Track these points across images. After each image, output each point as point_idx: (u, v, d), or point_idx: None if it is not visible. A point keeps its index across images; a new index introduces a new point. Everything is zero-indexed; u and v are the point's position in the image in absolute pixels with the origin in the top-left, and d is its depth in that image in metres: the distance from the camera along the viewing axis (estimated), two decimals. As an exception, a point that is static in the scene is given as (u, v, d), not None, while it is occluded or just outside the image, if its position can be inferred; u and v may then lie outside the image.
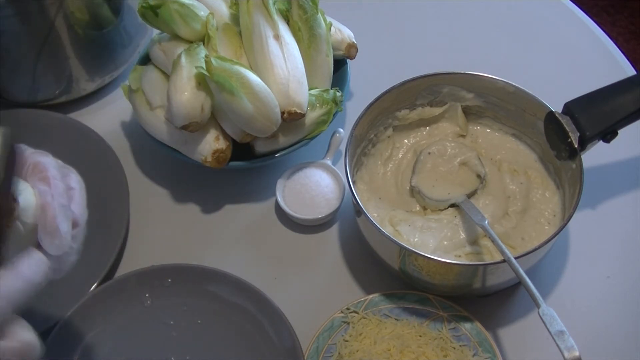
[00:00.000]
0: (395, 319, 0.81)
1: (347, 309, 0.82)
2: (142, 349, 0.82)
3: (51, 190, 0.56)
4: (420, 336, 0.79)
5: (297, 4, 0.92)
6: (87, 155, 0.95)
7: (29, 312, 0.83)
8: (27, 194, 0.55)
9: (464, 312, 0.81)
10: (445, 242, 0.84)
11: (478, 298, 0.85)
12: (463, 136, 0.95)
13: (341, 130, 0.97)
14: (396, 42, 1.14)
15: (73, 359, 0.80)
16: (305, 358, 0.78)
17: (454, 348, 0.78)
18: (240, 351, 0.81)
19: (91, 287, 0.85)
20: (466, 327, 0.80)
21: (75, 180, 0.61)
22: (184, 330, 0.83)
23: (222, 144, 0.88)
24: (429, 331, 0.80)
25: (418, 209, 0.90)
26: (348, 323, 0.82)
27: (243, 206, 0.96)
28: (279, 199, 0.92)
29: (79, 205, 0.59)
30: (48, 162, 0.59)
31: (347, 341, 0.80)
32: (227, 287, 0.84)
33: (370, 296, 0.83)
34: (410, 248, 0.77)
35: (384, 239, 0.78)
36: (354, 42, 0.99)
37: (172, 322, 0.84)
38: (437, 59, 1.05)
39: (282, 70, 0.88)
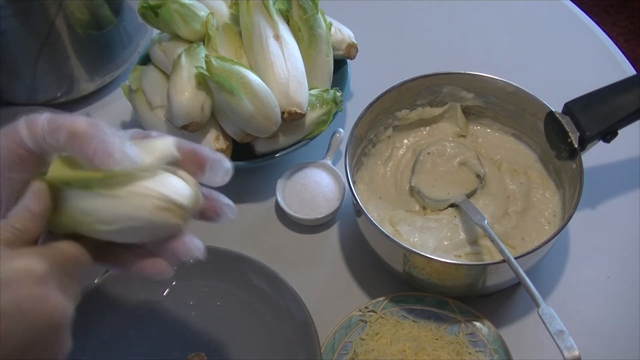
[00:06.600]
0: (413, 321, 0.81)
1: (366, 307, 0.82)
2: (163, 327, 0.84)
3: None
4: (436, 339, 0.79)
5: (297, 4, 0.92)
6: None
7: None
8: None
9: (482, 318, 0.80)
10: (445, 242, 0.84)
11: (478, 298, 0.85)
12: (463, 136, 0.95)
13: (341, 130, 0.97)
14: (396, 42, 1.14)
15: (97, 331, 0.83)
16: (321, 354, 0.78)
17: (470, 353, 0.78)
18: (255, 330, 0.83)
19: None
20: (483, 333, 0.80)
21: None
22: (203, 311, 0.85)
23: (222, 144, 0.88)
24: (445, 335, 0.80)
25: (418, 208, 0.90)
26: (365, 322, 0.82)
27: (243, 206, 0.96)
28: (279, 199, 0.92)
29: None
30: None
31: (363, 340, 0.80)
32: (247, 270, 0.85)
33: (390, 296, 0.83)
34: (410, 248, 0.77)
35: (384, 239, 0.78)
36: (354, 42, 0.99)
37: (191, 303, 0.85)
38: (437, 59, 1.05)
39: (282, 70, 0.88)
